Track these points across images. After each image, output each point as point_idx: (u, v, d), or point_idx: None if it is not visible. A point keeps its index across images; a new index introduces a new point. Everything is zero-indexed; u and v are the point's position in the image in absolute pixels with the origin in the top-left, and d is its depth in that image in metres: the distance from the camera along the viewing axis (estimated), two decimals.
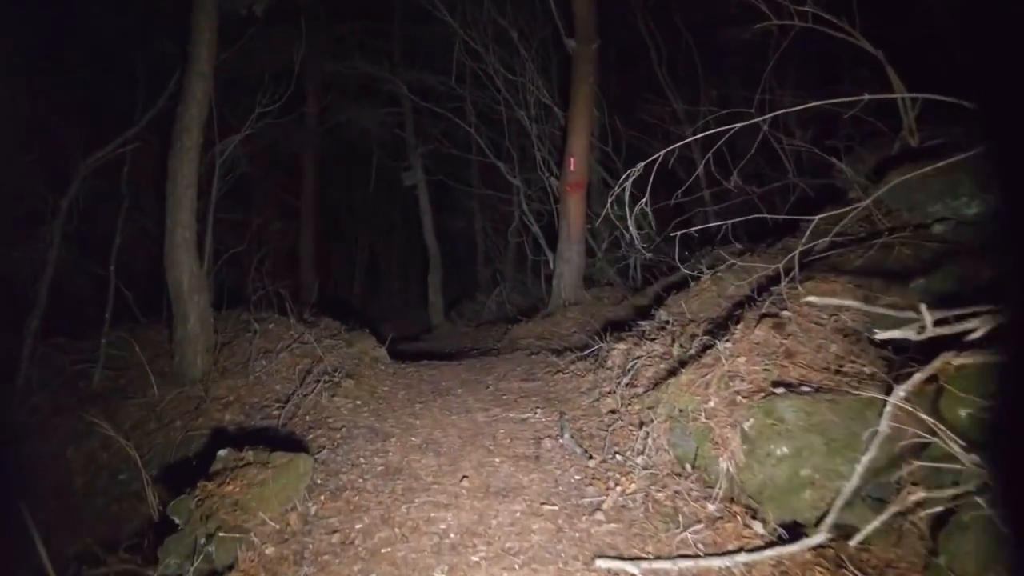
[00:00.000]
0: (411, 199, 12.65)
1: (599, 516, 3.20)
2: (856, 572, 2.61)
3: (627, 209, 4.23)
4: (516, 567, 2.82)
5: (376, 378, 5.71)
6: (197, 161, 5.78)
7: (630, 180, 4.10)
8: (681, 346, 4.38)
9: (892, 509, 2.67)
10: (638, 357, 4.59)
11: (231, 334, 6.64)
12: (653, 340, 4.74)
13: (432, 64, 10.99)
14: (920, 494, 2.63)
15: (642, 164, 4.08)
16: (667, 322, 4.97)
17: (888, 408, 2.61)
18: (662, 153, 4.08)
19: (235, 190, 12.77)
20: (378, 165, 12.20)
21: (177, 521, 3.22)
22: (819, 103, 4.08)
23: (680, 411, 3.67)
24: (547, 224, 10.40)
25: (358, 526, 3.24)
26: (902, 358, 3.14)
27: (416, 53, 11.54)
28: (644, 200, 4.19)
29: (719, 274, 5.21)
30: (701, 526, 3.03)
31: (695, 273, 5.53)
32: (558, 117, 10.02)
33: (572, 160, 8.56)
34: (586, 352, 5.61)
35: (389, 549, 3.02)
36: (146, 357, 5.83)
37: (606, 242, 9.64)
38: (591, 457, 3.83)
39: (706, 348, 3.98)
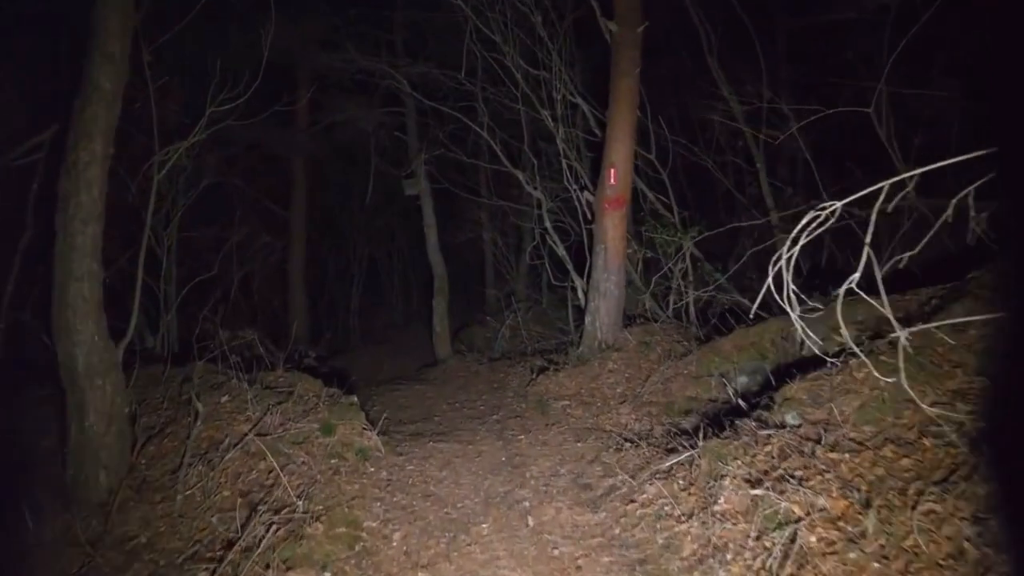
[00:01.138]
0: (413, 207, 10.65)
1: None
2: None
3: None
4: None
5: (360, 502, 3.73)
6: (102, 182, 3.78)
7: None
8: (877, 514, 2.42)
9: None
10: (795, 521, 2.63)
11: (167, 415, 4.68)
12: (805, 482, 2.78)
13: (438, 56, 8.98)
14: None
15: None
16: (818, 442, 3.00)
17: None
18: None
19: (211, 201, 10.83)
20: (376, 172, 10.15)
21: None
22: None
23: None
24: (572, 245, 8.43)
25: None
26: None
27: (420, 43, 9.51)
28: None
29: (879, 353, 3.24)
30: None
31: (828, 347, 3.57)
32: (587, 118, 8.03)
33: (612, 172, 6.57)
34: (668, 464, 3.64)
35: None
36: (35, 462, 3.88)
37: (647, 273, 7.69)
38: None
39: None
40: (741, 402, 4.05)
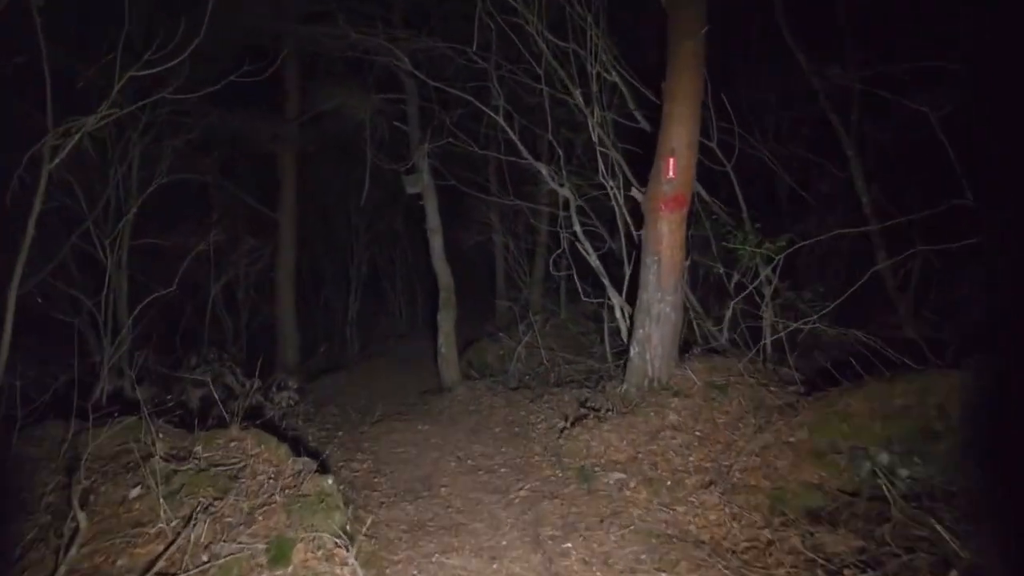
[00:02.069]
0: (417, 206, 8.96)
1: None
2: None
3: None
4: None
5: None
6: None
7: None
8: None
9: None
10: None
11: (44, 520, 3.02)
12: None
13: (445, 28, 7.28)
14: None
15: None
16: None
17: None
18: None
19: (185, 203, 9.13)
20: (373, 168, 8.46)
21: None
22: None
23: None
24: (604, 254, 6.76)
25: None
26: None
27: (422, 17, 7.79)
28: None
29: None
30: None
31: None
32: (627, 99, 6.33)
33: (671, 162, 4.88)
34: None
35: None
36: None
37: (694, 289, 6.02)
38: None
39: None
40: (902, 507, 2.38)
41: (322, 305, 12.57)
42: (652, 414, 4.69)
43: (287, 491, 3.37)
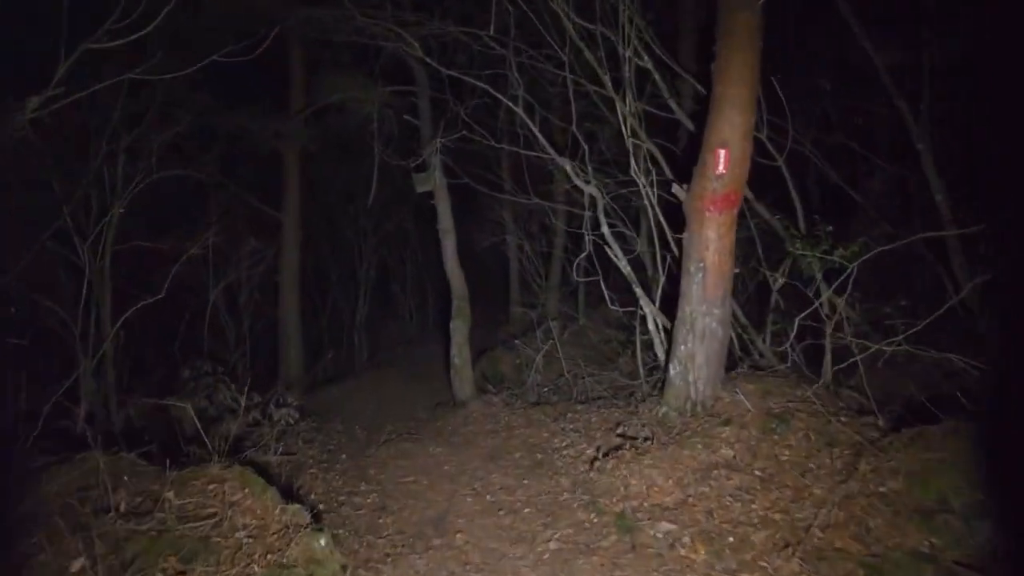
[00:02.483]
0: (428, 205, 8.27)
1: None
2: None
3: None
4: None
5: None
6: None
7: None
8: None
9: None
10: None
11: None
12: None
13: (458, 11, 6.58)
14: None
15: None
16: None
17: None
18: None
19: (184, 203, 8.50)
20: (382, 165, 7.79)
21: None
22: None
23: None
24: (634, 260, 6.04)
25: None
26: None
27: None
28: None
29: None
30: None
31: None
32: (661, 89, 5.62)
33: (721, 155, 4.16)
34: None
35: None
36: None
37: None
38: None
39: None
40: None
41: (329, 309, 11.91)
42: (700, 446, 3.99)
43: (270, 556, 2.70)
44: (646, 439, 4.31)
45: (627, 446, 4.30)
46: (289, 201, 9.02)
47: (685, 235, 4.52)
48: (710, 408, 4.38)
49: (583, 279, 6.03)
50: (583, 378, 6.72)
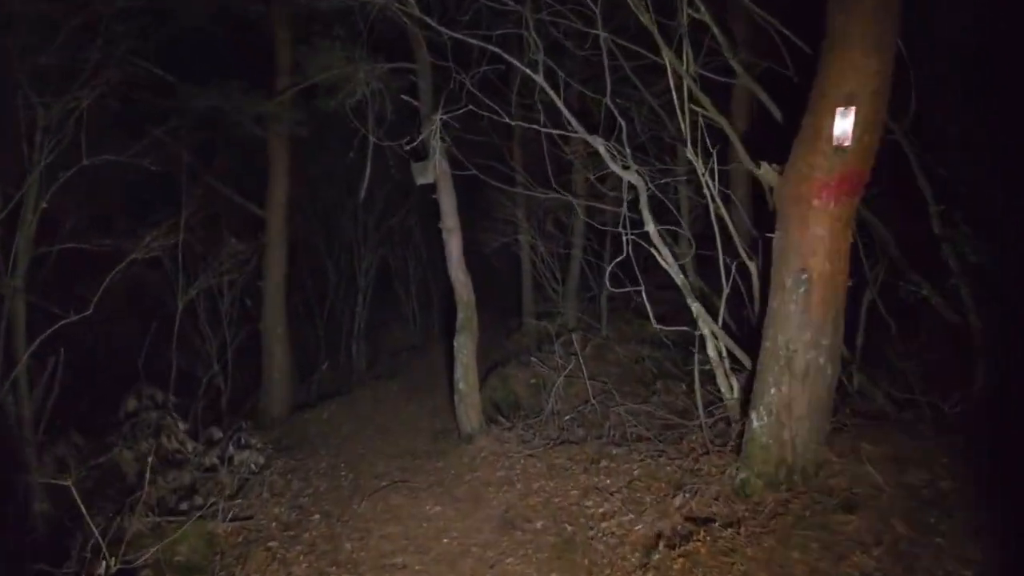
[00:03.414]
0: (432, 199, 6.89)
1: None
2: None
3: None
4: None
5: None
6: None
7: None
8: None
9: None
10: None
11: None
12: None
13: None
14: None
15: None
16: None
17: None
18: None
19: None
20: (382, 156, 6.46)
21: None
22: None
23: None
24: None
25: None
26: None
27: None
28: None
29: None
30: None
31: None
32: (721, 46, 4.21)
33: (845, 117, 2.75)
34: None
35: None
36: None
37: None
38: None
39: None
40: None
41: (326, 314, 10.55)
42: (815, 545, 2.61)
43: None
44: (727, 525, 2.93)
45: (699, 535, 2.91)
46: (274, 195, 7.69)
47: (777, 234, 3.12)
48: (816, 479, 2.99)
49: (617, 289, 4.64)
50: (615, 408, 5.35)
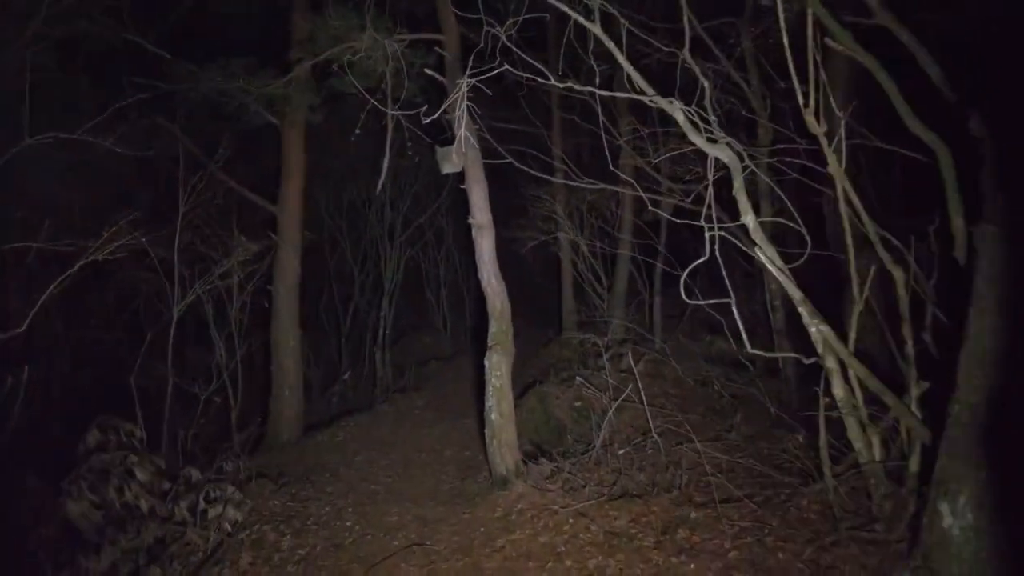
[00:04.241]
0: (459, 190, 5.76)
1: None
2: None
3: None
4: None
5: None
6: None
7: None
8: None
9: None
10: None
11: None
12: None
13: None
14: None
15: None
16: None
17: None
18: None
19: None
20: (397, 138, 5.43)
21: None
22: None
23: None
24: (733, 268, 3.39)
25: None
26: None
27: None
28: None
29: None
30: None
31: None
32: None
33: None
34: None
35: None
36: None
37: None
38: None
39: None
40: None
41: (348, 319, 9.59)
42: None
43: None
44: None
45: None
46: (287, 189, 6.71)
47: None
48: None
49: (699, 301, 3.44)
50: (685, 446, 4.17)
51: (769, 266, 2.91)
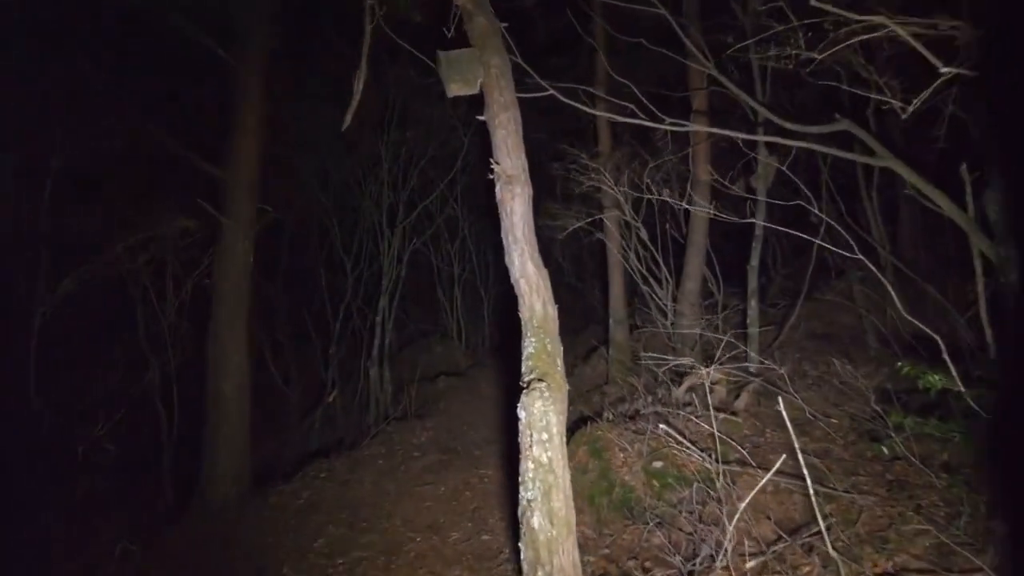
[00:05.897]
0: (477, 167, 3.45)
1: None
2: None
3: None
4: None
5: None
6: None
7: None
8: None
9: None
10: None
11: None
12: None
13: None
14: None
15: None
16: None
17: None
18: None
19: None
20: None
21: None
22: None
23: None
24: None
25: None
26: None
27: None
28: None
29: None
30: None
31: None
32: None
33: None
34: None
35: None
36: None
37: None
38: None
39: None
40: None
41: (338, 325, 7.46)
42: None
43: None
44: None
45: None
46: (240, 148, 4.63)
47: None
48: None
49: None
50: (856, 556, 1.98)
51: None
